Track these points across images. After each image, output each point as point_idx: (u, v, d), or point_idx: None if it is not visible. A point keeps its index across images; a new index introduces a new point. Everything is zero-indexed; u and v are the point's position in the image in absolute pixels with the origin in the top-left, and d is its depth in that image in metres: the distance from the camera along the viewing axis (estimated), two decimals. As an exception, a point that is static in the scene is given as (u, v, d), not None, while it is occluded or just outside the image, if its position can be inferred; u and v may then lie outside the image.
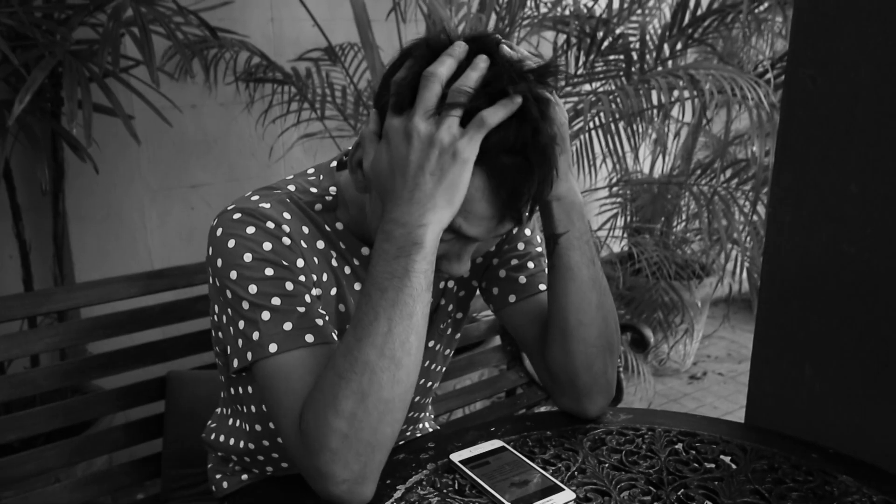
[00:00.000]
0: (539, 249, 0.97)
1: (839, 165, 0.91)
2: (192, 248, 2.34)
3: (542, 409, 1.71)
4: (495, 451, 0.84)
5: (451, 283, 0.97)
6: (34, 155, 1.76)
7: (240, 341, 0.78)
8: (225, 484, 1.02)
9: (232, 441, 0.98)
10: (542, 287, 0.94)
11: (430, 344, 0.97)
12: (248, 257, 0.77)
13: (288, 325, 0.76)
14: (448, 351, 1.03)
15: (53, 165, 1.92)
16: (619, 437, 0.89)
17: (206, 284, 0.90)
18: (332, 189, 0.87)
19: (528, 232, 0.96)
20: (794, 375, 1.01)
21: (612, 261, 2.99)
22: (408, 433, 1.07)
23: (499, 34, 0.75)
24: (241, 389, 0.93)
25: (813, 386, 0.99)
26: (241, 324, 0.77)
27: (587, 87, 2.43)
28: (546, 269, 0.95)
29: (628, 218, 3.03)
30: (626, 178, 2.94)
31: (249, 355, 0.77)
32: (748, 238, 2.46)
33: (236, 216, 0.80)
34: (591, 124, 2.22)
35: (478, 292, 1.01)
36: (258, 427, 0.93)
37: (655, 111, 2.26)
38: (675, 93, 2.06)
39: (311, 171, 0.90)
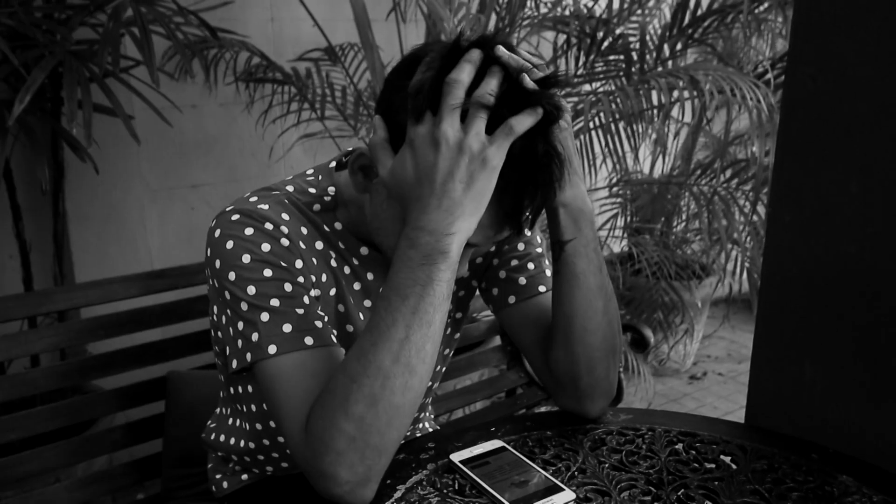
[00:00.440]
0: (539, 250, 0.97)
1: (839, 165, 0.91)
2: (192, 248, 2.34)
3: (542, 409, 1.71)
4: (495, 451, 0.84)
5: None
6: (34, 155, 1.76)
7: (239, 342, 0.78)
8: (225, 484, 1.02)
9: (232, 440, 0.98)
10: (542, 289, 0.94)
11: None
12: (246, 258, 0.77)
13: (287, 327, 0.76)
14: (448, 351, 1.03)
15: (53, 165, 1.92)
16: (619, 437, 0.89)
17: (206, 285, 0.90)
18: (331, 189, 0.87)
19: (527, 232, 0.96)
20: (794, 375, 1.01)
21: (612, 261, 2.99)
22: (408, 433, 1.07)
23: (499, 35, 0.75)
24: (240, 388, 0.94)
25: (813, 386, 0.99)
26: (240, 325, 0.77)
27: (587, 87, 2.43)
28: (546, 271, 0.95)
29: (628, 218, 3.02)
30: (626, 178, 2.94)
31: (249, 356, 0.77)
32: (748, 238, 2.46)
33: (234, 217, 0.80)
34: (591, 124, 2.21)
35: (477, 292, 1.01)
36: (258, 426, 0.93)
37: (655, 111, 2.26)
38: (675, 93, 2.06)
39: (309, 171, 0.90)
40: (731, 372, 3.08)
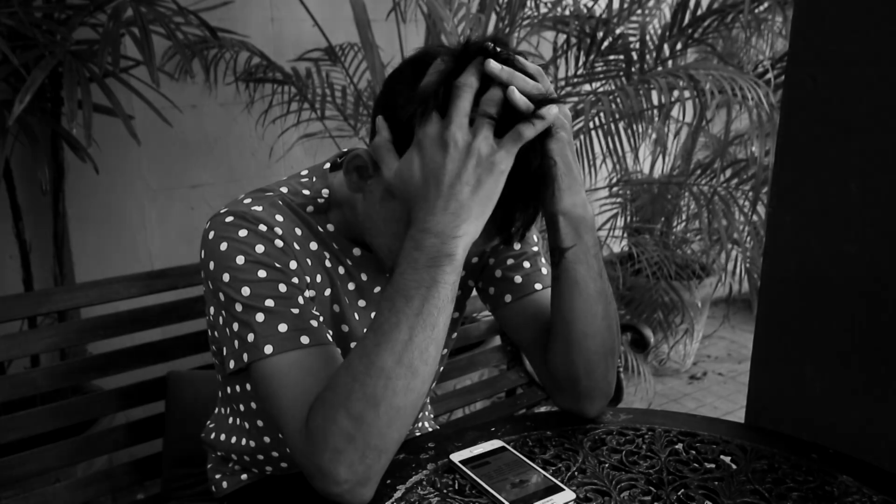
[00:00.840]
0: (535, 249, 0.97)
1: (839, 165, 0.91)
2: (193, 248, 2.34)
3: (542, 409, 1.71)
4: (495, 451, 0.84)
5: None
6: (34, 155, 1.75)
7: (235, 343, 0.78)
8: (225, 484, 1.02)
9: (233, 440, 0.98)
10: (539, 287, 0.94)
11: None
12: (240, 260, 0.77)
13: (283, 327, 0.76)
14: (445, 351, 1.03)
15: (53, 166, 1.92)
16: (619, 437, 0.89)
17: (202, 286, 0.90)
18: (325, 191, 0.87)
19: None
20: (794, 375, 1.01)
21: (612, 261, 2.99)
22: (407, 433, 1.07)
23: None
24: (238, 387, 0.94)
25: (813, 386, 0.99)
26: (236, 326, 0.78)
27: (587, 87, 2.43)
28: (542, 269, 0.95)
29: (628, 218, 3.02)
30: (626, 178, 2.94)
31: (245, 357, 0.77)
32: (748, 238, 2.46)
33: (228, 219, 0.80)
34: (591, 124, 2.21)
35: (474, 292, 1.01)
36: (259, 423, 0.93)
37: (655, 111, 2.26)
38: (675, 93, 2.06)
39: (304, 172, 0.90)
40: (731, 372, 3.08)
